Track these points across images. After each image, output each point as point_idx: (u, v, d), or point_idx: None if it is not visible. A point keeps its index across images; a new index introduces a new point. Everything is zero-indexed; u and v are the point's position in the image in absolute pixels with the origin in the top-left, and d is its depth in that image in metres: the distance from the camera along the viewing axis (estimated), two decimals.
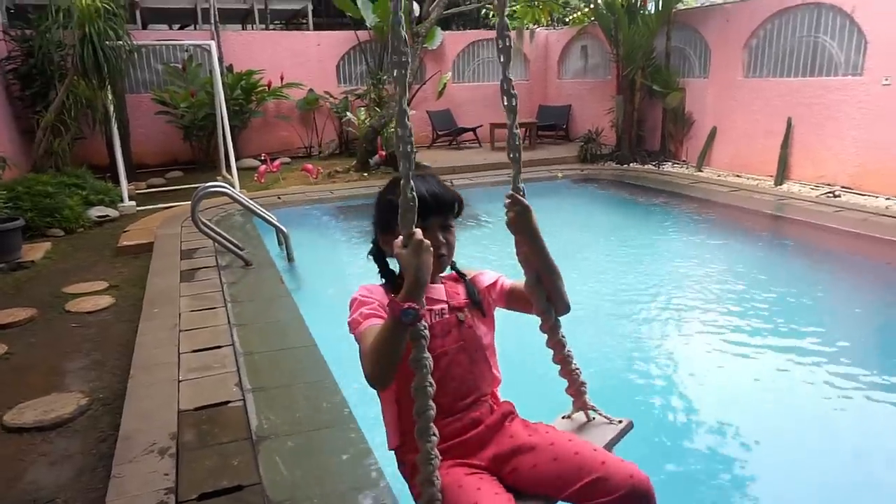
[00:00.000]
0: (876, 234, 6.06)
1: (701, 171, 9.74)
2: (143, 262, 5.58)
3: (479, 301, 1.69)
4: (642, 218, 7.94)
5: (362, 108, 11.37)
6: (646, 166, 10.27)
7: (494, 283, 1.75)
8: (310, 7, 14.68)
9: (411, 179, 1.39)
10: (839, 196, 7.57)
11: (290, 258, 5.93)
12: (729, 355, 4.06)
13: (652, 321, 4.68)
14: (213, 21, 11.25)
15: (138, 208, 7.74)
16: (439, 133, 12.43)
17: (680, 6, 10.43)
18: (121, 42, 7.78)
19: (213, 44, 9.50)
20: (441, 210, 1.59)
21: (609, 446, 1.66)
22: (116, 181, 7.99)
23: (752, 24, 9.09)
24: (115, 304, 4.65)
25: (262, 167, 9.39)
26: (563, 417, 1.81)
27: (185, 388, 3.18)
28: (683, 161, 10.41)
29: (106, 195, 7.65)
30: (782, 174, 8.56)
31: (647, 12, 10.41)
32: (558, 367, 1.77)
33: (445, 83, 12.54)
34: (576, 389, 1.78)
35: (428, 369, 1.39)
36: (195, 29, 14.64)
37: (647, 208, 8.24)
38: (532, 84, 14.06)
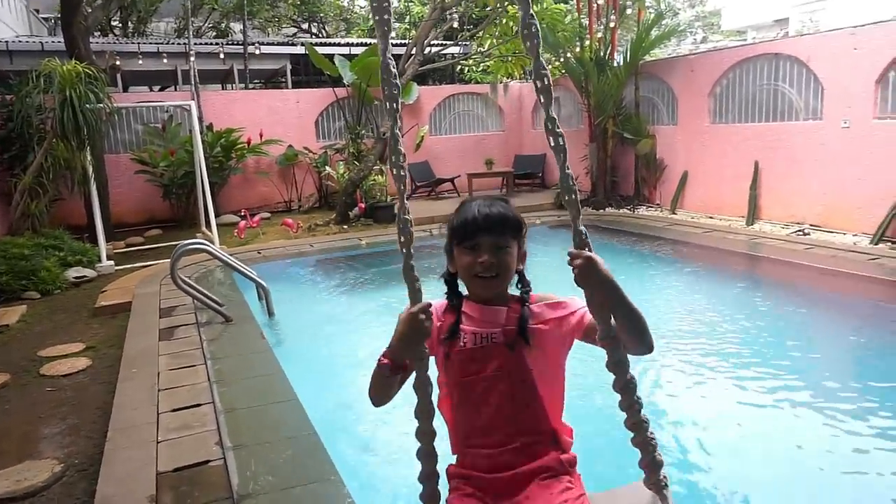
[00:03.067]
0: (845, 269, 6.21)
1: (675, 213, 9.97)
2: (122, 321, 5.52)
3: (525, 330, 1.56)
4: (620, 261, 8.05)
5: (341, 162, 11.53)
6: (621, 211, 10.49)
7: (572, 314, 1.60)
8: (288, 67, 15.05)
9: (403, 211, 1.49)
10: (808, 234, 7.78)
11: (270, 313, 5.89)
12: (707, 396, 4.10)
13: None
14: (193, 82, 11.46)
15: (117, 268, 7.68)
16: (418, 184, 12.61)
17: (647, 58, 10.86)
18: (101, 105, 7.89)
19: (194, 104, 9.66)
20: (491, 229, 1.54)
21: None
22: (95, 241, 7.95)
23: (715, 74, 9.49)
24: (92, 366, 4.57)
25: (242, 223, 9.42)
26: (644, 482, 1.58)
27: (164, 448, 3.12)
28: (657, 205, 10.65)
29: (84, 256, 7.60)
30: (753, 214, 8.79)
31: (615, 64, 10.82)
32: (631, 434, 1.52)
33: (423, 136, 12.81)
34: (647, 462, 1.51)
35: (430, 414, 1.49)
36: (175, 90, 14.90)
37: (625, 251, 8.37)
38: (508, 135, 14.41)
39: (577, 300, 1.60)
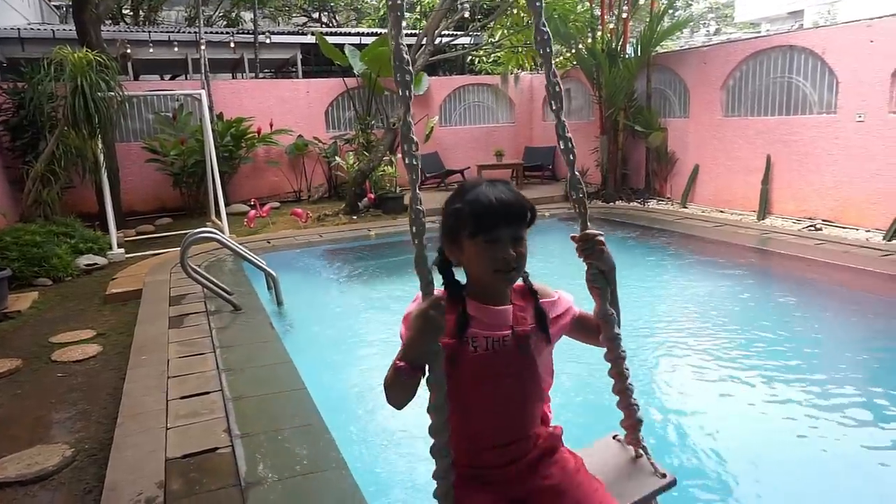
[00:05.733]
0: (857, 265, 6.15)
1: (685, 207, 9.91)
2: (132, 309, 5.56)
3: (548, 328, 1.55)
4: (629, 254, 8.02)
5: (351, 153, 11.53)
6: (631, 204, 10.43)
7: (566, 312, 1.62)
8: (299, 56, 15.03)
9: (417, 197, 1.43)
10: (820, 229, 7.71)
11: (279, 302, 5.92)
12: (714, 391, 4.08)
13: (645, 357, 4.69)
14: (203, 71, 11.47)
15: (127, 255, 7.73)
16: (427, 176, 12.59)
17: (658, 49, 10.76)
18: (112, 93, 7.91)
19: (204, 93, 9.68)
20: (511, 220, 1.44)
21: (643, 502, 1.61)
22: (106, 229, 8.00)
23: (728, 66, 9.39)
24: (102, 353, 4.61)
25: (252, 212, 9.45)
26: (613, 437, 1.83)
27: (173, 435, 3.15)
28: (668, 198, 10.59)
29: (95, 243, 7.65)
30: (764, 209, 8.72)
31: (627, 56, 10.74)
32: (617, 398, 1.74)
33: (433, 127, 12.76)
34: (630, 423, 1.74)
35: (444, 410, 1.43)
36: (186, 79, 14.93)
37: (634, 245, 8.33)
38: (518, 127, 14.35)
39: (564, 295, 1.64)
